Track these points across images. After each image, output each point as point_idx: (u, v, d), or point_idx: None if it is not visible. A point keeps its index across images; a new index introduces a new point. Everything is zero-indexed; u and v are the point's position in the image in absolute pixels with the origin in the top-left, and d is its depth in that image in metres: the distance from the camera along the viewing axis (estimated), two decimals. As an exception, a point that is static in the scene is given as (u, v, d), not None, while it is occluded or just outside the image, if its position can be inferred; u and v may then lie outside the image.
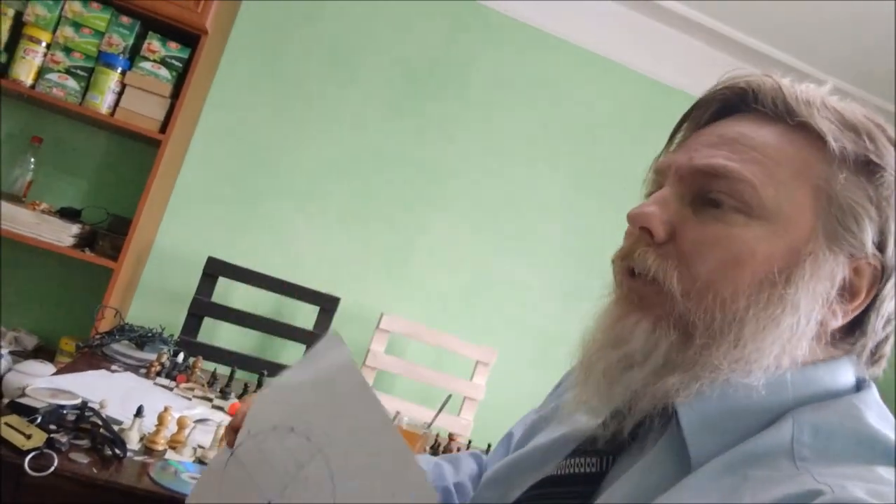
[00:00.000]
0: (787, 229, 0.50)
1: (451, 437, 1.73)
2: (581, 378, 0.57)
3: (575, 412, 0.59)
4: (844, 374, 0.52)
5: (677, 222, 0.53)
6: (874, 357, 0.54)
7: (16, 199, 2.01)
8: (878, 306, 0.52)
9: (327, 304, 2.16)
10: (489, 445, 1.77)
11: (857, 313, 0.52)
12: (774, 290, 0.49)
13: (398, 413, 1.67)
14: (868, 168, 0.51)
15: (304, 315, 2.30)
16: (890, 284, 0.51)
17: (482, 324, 2.65)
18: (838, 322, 0.51)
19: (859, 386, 0.53)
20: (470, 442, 1.76)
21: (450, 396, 1.61)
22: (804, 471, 0.44)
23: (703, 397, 0.51)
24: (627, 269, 0.55)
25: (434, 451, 1.68)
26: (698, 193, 0.53)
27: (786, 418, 0.48)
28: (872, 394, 0.52)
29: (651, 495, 0.49)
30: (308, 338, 2.13)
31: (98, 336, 1.57)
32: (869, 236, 0.50)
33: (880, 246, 0.51)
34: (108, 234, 2.05)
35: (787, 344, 0.49)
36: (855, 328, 0.53)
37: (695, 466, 0.49)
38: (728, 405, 0.50)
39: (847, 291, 0.51)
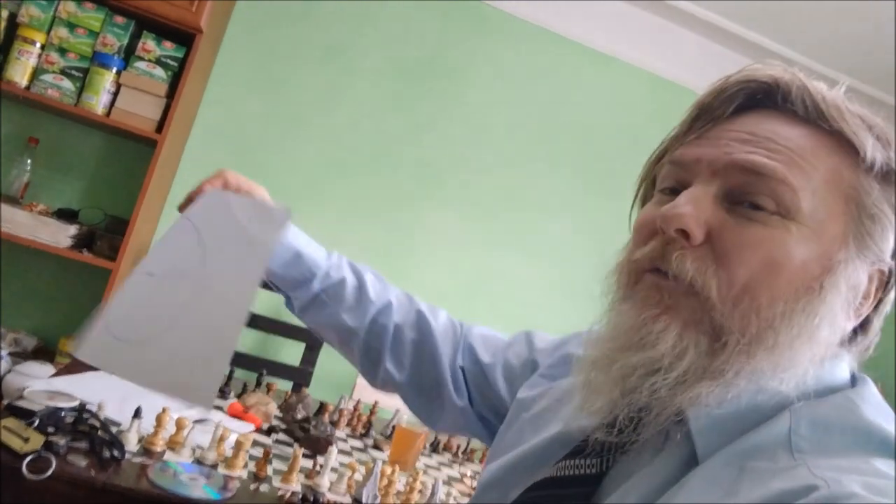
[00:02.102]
0: (821, 236, 0.49)
1: (449, 436, 1.73)
2: (594, 379, 0.55)
3: (580, 412, 0.57)
4: (841, 370, 0.53)
5: (713, 223, 0.50)
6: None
7: (13, 201, 2.00)
8: (882, 309, 0.53)
9: (326, 303, 2.15)
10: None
11: (863, 317, 0.53)
12: (811, 296, 0.49)
13: (398, 411, 1.68)
14: (890, 176, 0.51)
15: (302, 313, 2.30)
16: (892, 286, 0.52)
17: (481, 322, 2.64)
18: (851, 325, 0.52)
19: (854, 381, 0.53)
20: (469, 440, 1.76)
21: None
22: (801, 462, 0.44)
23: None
24: (651, 270, 0.53)
25: (434, 448, 1.68)
26: (733, 191, 0.51)
27: (783, 412, 0.49)
28: (868, 388, 0.52)
29: (656, 496, 0.49)
30: (307, 337, 2.13)
31: (96, 337, 1.57)
32: (890, 244, 0.51)
33: (895, 252, 0.52)
34: (106, 234, 2.05)
35: (818, 349, 0.50)
36: (858, 329, 0.54)
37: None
38: (736, 407, 0.50)
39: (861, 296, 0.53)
